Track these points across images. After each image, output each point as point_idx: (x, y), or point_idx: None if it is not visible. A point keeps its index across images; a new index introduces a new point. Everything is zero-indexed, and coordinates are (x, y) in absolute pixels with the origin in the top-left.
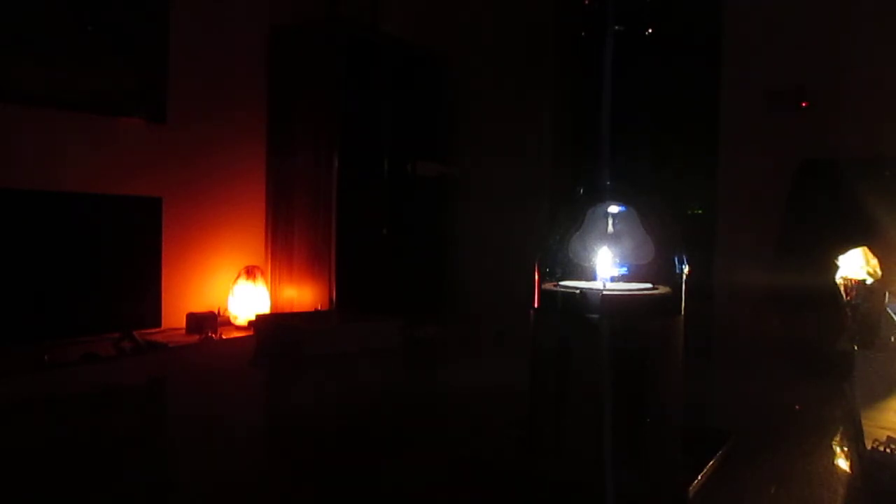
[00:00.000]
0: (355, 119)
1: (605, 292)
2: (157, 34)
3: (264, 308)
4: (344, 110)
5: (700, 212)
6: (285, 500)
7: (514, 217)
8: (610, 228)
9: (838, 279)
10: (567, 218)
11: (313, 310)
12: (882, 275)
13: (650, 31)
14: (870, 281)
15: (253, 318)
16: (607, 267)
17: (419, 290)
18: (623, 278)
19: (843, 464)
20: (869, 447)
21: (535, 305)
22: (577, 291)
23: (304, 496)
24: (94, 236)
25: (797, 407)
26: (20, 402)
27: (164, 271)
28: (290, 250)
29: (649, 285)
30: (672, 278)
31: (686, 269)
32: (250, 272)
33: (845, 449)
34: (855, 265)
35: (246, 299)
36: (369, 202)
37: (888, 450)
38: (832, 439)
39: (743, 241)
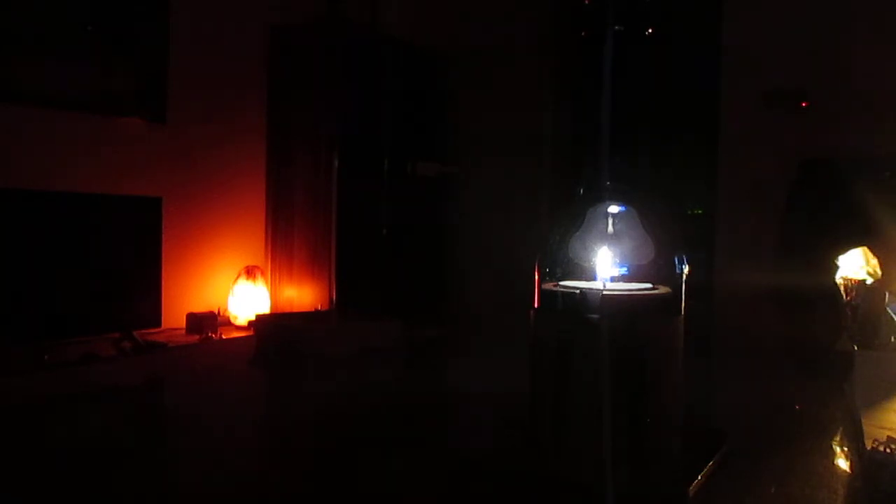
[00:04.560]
0: (355, 119)
1: (605, 292)
2: (157, 34)
3: (264, 308)
4: (344, 110)
5: (700, 212)
6: (286, 498)
7: (514, 217)
8: (610, 228)
9: (838, 279)
10: (567, 218)
11: (313, 310)
12: (882, 275)
13: (650, 31)
14: (870, 281)
15: (253, 318)
16: (607, 267)
17: (419, 290)
18: (623, 278)
19: (843, 464)
20: (869, 447)
21: (536, 305)
22: (577, 291)
23: (304, 495)
24: (94, 236)
25: (797, 407)
26: (20, 402)
27: (164, 271)
28: (290, 250)
29: (649, 285)
30: (672, 278)
31: (686, 269)
32: (250, 272)
33: (845, 449)
34: (855, 265)
35: (246, 299)
36: (369, 202)
37: (888, 450)
38: (832, 439)
39: (743, 241)
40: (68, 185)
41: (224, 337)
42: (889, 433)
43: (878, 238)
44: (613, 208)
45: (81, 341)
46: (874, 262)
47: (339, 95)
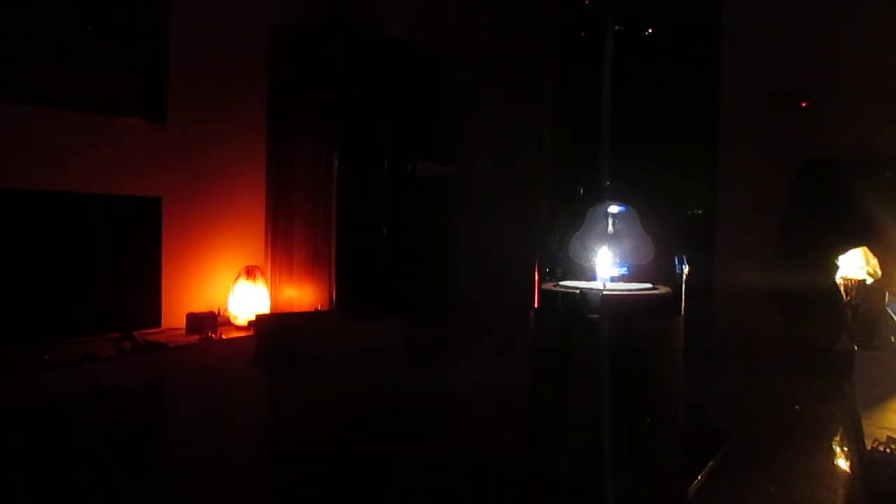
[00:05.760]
0: (355, 119)
1: (605, 292)
2: (157, 34)
3: (264, 308)
4: (344, 110)
5: (700, 212)
6: (285, 498)
7: (514, 217)
8: (610, 228)
9: (838, 279)
10: (567, 218)
11: (313, 310)
12: (882, 275)
13: (650, 31)
14: (870, 281)
15: (253, 318)
16: (607, 267)
17: (419, 290)
18: (623, 278)
19: (843, 464)
20: (869, 447)
21: (535, 305)
22: (577, 291)
23: (304, 495)
24: (94, 236)
25: (797, 407)
26: (20, 402)
27: (164, 271)
28: (290, 250)
29: (649, 285)
30: (672, 278)
31: (686, 269)
32: (250, 272)
33: (845, 449)
34: (855, 265)
35: (246, 299)
36: (369, 202)
37: (888, 450)
38: (832, 439)
39: (743, 241)
40: (68, 185)
41: (224, 337)
42: (889, 433)
43: (878, 238)
44: (613, 208)
45: (81, 341)
46: (874, 262)
47: (339, 95)
